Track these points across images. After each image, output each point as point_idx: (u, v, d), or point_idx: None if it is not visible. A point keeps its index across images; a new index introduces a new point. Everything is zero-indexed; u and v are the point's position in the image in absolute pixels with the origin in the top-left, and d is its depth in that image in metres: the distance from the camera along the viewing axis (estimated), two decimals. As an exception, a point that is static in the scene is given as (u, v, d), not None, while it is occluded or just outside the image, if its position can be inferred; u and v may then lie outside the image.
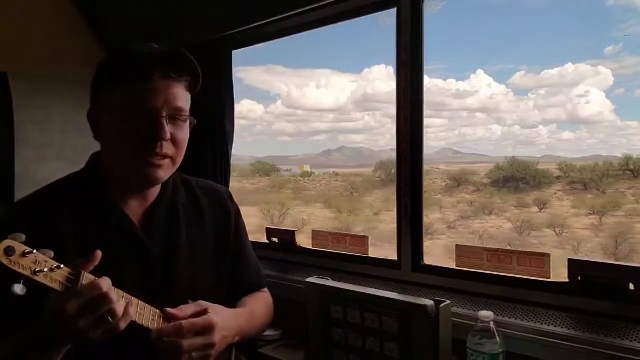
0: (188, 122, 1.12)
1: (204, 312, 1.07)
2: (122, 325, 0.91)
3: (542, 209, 7.35)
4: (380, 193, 8.39)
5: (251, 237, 1.44)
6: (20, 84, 2.14)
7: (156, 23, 2.20)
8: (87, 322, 0.86)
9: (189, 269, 1.18)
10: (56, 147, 2.25)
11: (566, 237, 6.80)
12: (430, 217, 7.39)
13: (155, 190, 1.18)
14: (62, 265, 0.88)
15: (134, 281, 1.04)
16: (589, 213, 6.97)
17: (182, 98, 1.09)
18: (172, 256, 1.16)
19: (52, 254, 0.87)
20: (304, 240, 2.03)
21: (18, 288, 0.83)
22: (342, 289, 1.51)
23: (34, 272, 0.84)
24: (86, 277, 0.89)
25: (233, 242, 1.31)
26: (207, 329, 1.04)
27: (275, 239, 2.06)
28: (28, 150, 2.17)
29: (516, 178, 7.74)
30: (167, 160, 1.09)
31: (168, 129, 1.05)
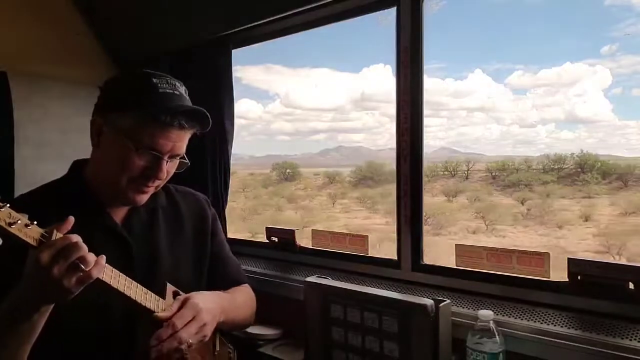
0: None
1: (186, 301, 1.14)
2: (95, 273, 0.94)
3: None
4: (272, 189, 10.65)
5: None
6: (20, 83, 2.15)
7: (156, 23, 2.20)
8: (60, 270, 0.90)
9: (169, 265, 1.26)
10: (55, 146, 2.25)
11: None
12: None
13: None
14: (35, 223, 0.91)
15: None
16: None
17: (185, 144, 1.18)
18: (153, 254, 1.24)
19: (27, 216, 0.91)
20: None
21: None
22: (342, 288, 1.52)
23: (9, 224, 0.87)
24: (58, 235, 0.93)
25: (211, 243, 1.40)
26: (195, 312, 1.11)
27: (275, 239, 2.06)
28: (27, 149, 2.17)
29: (368, 177, 10.44)
30: (153, 188, 1.19)
31: (165, 167, 1.14)
